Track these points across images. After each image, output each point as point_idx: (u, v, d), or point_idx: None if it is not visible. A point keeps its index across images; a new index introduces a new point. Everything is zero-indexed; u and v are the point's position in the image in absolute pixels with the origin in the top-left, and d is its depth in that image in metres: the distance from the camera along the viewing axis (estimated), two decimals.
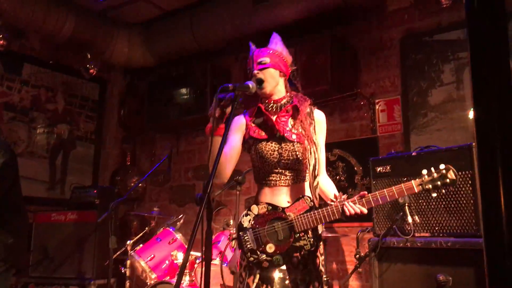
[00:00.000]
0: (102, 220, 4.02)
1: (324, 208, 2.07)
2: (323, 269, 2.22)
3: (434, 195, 2.06)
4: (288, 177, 2.20)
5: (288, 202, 2.18)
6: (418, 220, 3.01)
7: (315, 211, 2.07)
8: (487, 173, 0.87)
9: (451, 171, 2.02)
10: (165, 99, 5.48)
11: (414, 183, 2.03)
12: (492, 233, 0.87)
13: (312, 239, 2.08)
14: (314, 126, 2.27)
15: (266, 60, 2.24)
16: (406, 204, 2.97)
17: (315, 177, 2.20)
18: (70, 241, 4.51)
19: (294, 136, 2.19)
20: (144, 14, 5.40)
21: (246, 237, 2.13)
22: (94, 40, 5.23)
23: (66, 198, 5.21)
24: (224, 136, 1.92)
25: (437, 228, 2.95)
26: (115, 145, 6.09)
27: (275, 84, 2.26)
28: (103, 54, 5.39)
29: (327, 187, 2.32)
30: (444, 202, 2.93)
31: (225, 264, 3.39)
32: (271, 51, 2.28)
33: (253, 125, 2.29)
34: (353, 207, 2.02)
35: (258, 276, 2.12)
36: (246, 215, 2.18)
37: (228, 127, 1.96)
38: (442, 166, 2.03)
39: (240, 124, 2.32)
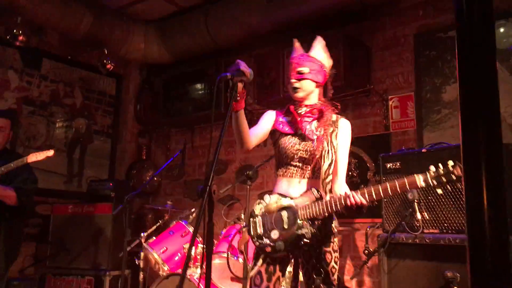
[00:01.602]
0: (117, 213, 4.11)
1: (327, 200, 2.18)
2: (335, 265, 2.29)
3: (439, 191, 2.06)
4: (304, 171, 2.33)
5: (300, 193, 2.30)
6: (427, 217, 3.02)
7: (319, 202, 2.18)
8: (471, 174, 0.89)
9: (458, 168, 1.99)
10: (180, 95, 5.55)
11: (417, 177, 2.03)
12: (475, 235, 0.88)
13: (314, 230, 2.18)
14: (337, 133, 2.36)
15: (305, 70, 2.36)
16: (415, 201, 2.99)
17: (328, 174, 2.29)
18: (86, 233, 4.62)
19: (314, 136, 2.32)
20: (160, 11, 5.47)
21: (255, 223, 2.30)
22: (111, 36, 5.31)
23: (83, 191, 5.34)
24: (228, 116, 1.99)
25: (446, 224, 2.96)
26: (131, 140, 6.18)
27: (309, 93, 2.39)
28: (119, 50, 5.48)
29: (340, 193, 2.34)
30: (453, 199, 2.93)
31: (235, 258, 3.44)
32: (312, 60, 2.39)
33: (280, 120, 2.45)
34: (354, 196, 2.08)
35: (261, 260, 2.29)
36: (259, 203, 2.35)
37: (229, 113, 2.02)
38: (450, 163, 2.01)
39: (271, 116, 2.48)
